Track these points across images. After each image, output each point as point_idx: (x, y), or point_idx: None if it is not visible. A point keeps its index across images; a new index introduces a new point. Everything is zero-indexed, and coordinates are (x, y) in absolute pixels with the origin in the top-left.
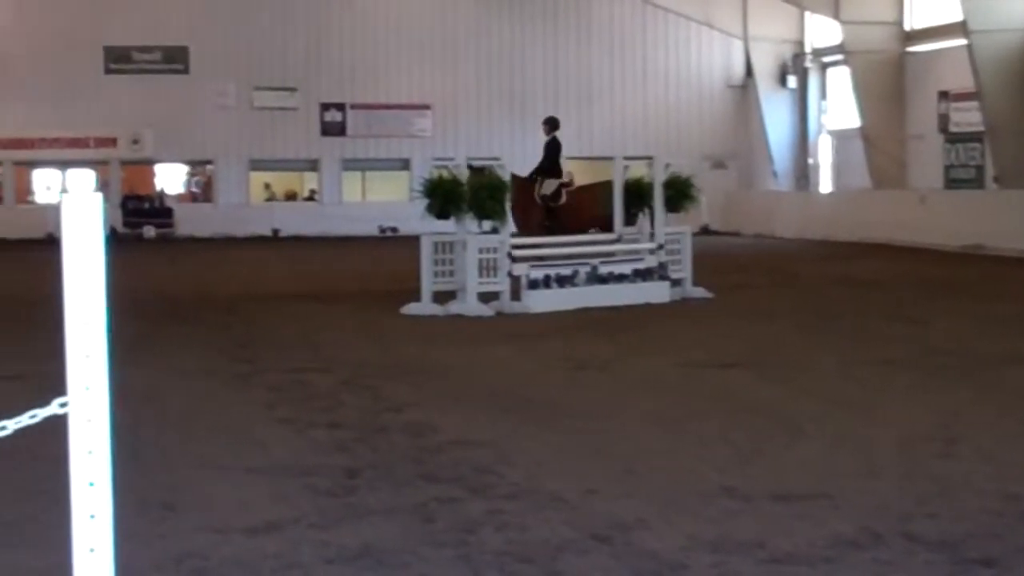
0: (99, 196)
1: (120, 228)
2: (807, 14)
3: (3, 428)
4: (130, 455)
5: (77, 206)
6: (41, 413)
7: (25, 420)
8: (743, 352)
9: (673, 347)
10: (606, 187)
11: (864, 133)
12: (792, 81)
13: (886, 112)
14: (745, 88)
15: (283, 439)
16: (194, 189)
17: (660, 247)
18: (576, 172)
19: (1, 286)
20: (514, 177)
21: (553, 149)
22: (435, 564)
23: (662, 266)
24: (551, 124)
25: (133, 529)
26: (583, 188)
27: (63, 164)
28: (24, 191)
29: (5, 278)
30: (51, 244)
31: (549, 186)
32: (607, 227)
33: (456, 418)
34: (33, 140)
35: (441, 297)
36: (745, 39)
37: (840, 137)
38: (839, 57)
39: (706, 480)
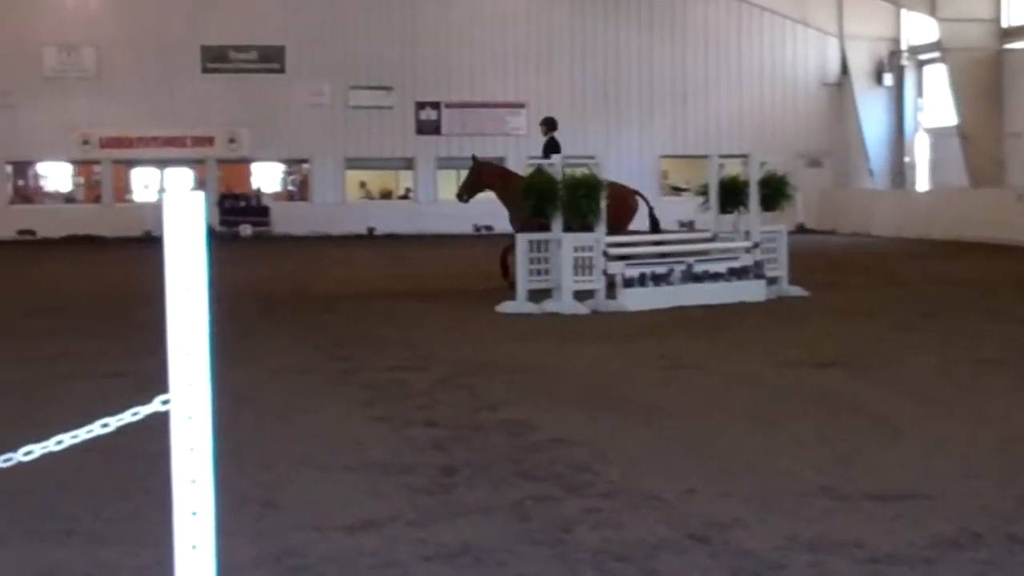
0: (201, 195)
1: (217, 226)
2: (903, 11)
3: (106, 425)
4: (229, 453)
5: (179, 204)
6: (143, 410)
7: (128, 417)
8: (840, 351)
9: (769, 346)
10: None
11: (961, 131)
12: (888, 79)
13: (983, 110)
14: (840, 86)
15: (380, 437)
16: (290, 188)
17: (756, 245)
18: (671, 170)
19: (99, 284)
20: (514, 175)
21: (551, 150)
22: (532, 562)
23: (758, 264)
24: (549, 124)
25: (232, 526)
26: None
27: (161, 163)
28: (122, 190)
29: (103, 276)
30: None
31: None
32: (617, 228)
33: (552, 416)
34: (131, 139)
35: (536, 295)
36: (841, 37)
37: (937, 135)
38: (936, 55)
39: (803, 479)
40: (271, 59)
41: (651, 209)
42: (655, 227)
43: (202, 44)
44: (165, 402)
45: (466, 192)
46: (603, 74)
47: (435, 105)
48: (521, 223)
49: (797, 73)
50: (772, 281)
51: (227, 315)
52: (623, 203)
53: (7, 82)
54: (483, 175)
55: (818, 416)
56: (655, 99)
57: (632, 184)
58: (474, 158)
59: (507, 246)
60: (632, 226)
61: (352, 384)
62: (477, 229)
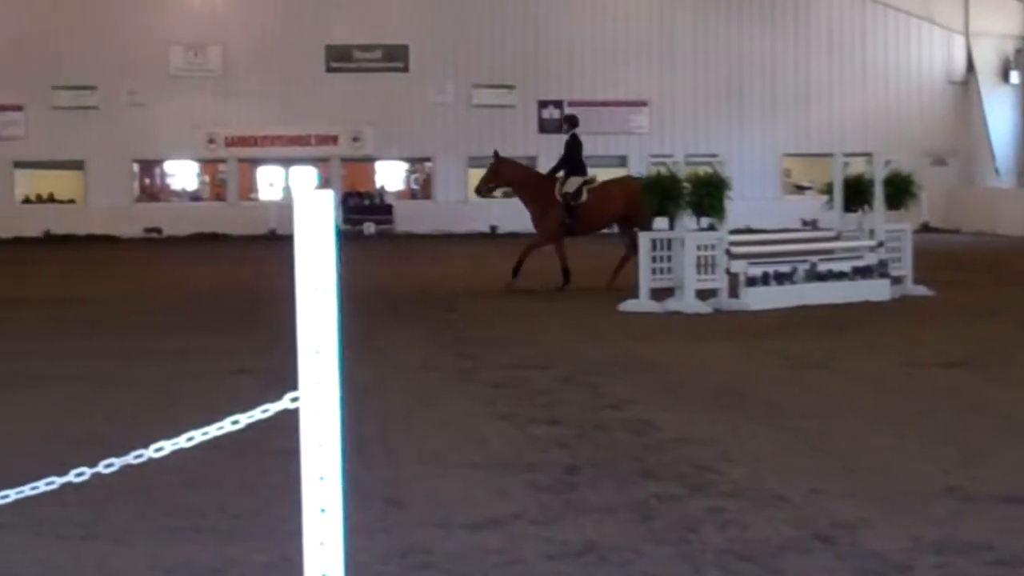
0: (330, 194)
1: (341, 224)
2: None
3: (236, 422)
4: (355, 450)
5: (309, 203)
6: (273, 407)
7: (258, 414)
8: (967, 351)
9: (894, 345)
10: (624, 184)
11: None
12: (1015, 76)
13: None
14: (966, 84)
15: (504, 435)
16: (413, 186)
17: (880, 244)
18: (794, 168)
19: (225, 282)
20: (533, 173)
21: (574, 147)
22: (656, 561)
23: (882, 263)
24: (570, 122)
25: (359, 523)
26: (602, 186)
27: (286, 162)
28: (247, 188)
29: (228, 274)
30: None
31: (572, 184)
32: (633, 223)
33: (676, 415)
34: (256, 138)
35: (659, 294)
36: (967, 34)
37: None
38: None
39: (930, 480)
40: (395, 58)
41: None
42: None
43: (327, 43)
44: (295, 399)
45: (484, 187)
46: (726, 71)
47: (558, 104)
48: (544, 224)
49: (922, 71)
50: (896, 280)
51: (352, 312)
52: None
53: (134, 81)
54: (502, 172)
55: (945, 416)
56: (778, 97)
57: (753, 181)
58: (496, 154)
59: (529, 244)
60: None
61: (476, 382)
62: None
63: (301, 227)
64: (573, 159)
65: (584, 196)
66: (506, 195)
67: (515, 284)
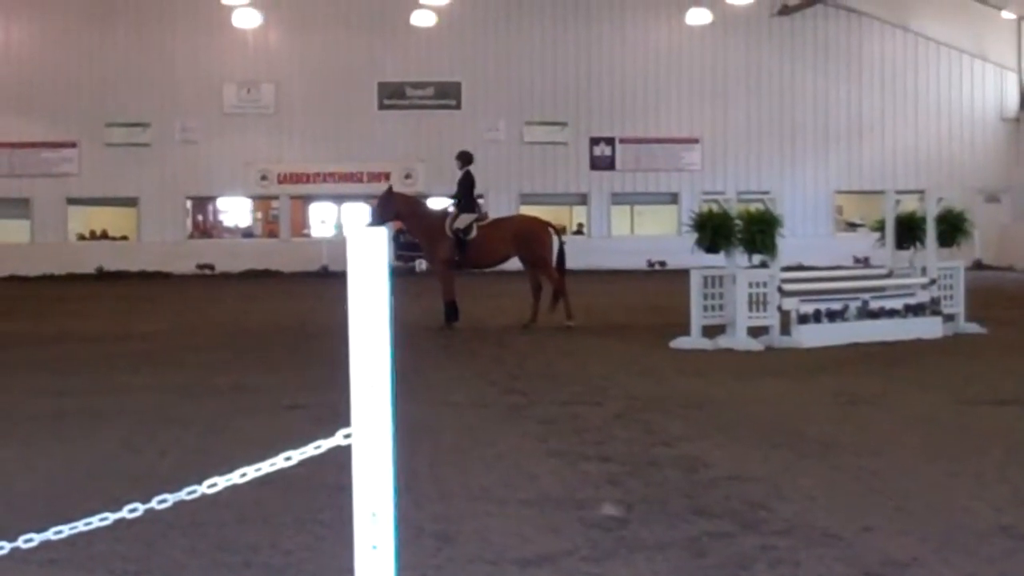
0: (384, 231)
1: (393, 262)
2: None
3: (288, 459)
4: (406, 486)
5: (362, 241)
6: (325, 444)
7: (310, 451)
8: (1019, 388)
9: (947, 383)
10: (514, 222)
11: None
12: None
13: None
14: (1019, 121)
15: (555, 472)
16: None
17: (932, 282)
18: (846, 205)
19: (277, 318)
20: (423, 207)
21: (467, 184)
22: None
23: (934, 301)
24: (464, 159)
25: (409, 560)
26: (492, 223)
27: (338, 198)
28: (300, 225)
29: (281, 310)
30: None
31: (463, 220)
32: (530, 262)
33: (728, 452)
34: (309, 175)
35: (710, 331)
36: (1020, 71)
37: None
38: None
39: (983, 518)
40: (447, 95)
41: (561, 244)
42: (561, 263)
43: (379, 81)
44: (347, 436)
45: (374, 221)
46: (778, 108)
47: (609, 140)
48: (436, 260)
49: (975, 107)
50: (949, 318)
51: (403, 348)
52: (536, 236)
53: (187, 118)
54: (390, 206)
55: (997, 454)
56: (830, 133)
57: (805, 218)
58: (388, 188)
59: (442, 284)
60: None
61: (527, 418)
62: (651, 264)
63: (354, 264)
64: (466, 196)
65: (474, 232)
66: None
67: (451, 327)
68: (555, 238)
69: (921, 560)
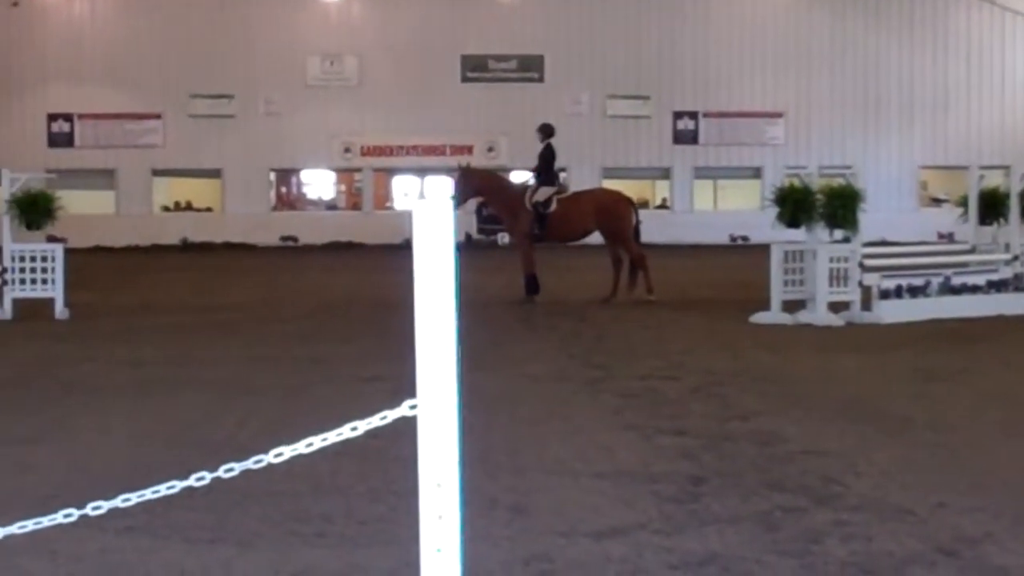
0: (450, 203)
1: (475, 234)
2: None
3: (354, 429)
4: (481, 457)
5: (429, 213)
6: (391, 415)
7: (376, 421)
8: None
9: None
10: (595, 196)
11: None
12: None
13: None
14: None
15: (631, 445)
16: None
17: (1016, 258)
18: (931, 180)
19: (359, 290)
20: (502, 181)
21: (548, 157)
22: (779, 573)
23: (1018, 277)
24: (545, 132)
25: (482, 530)
26: (573, 196)
27: (421, 171)
28: (383, 197)
29: (363, 282)
30: (408, 249)
31: (543, 193)
32: (610, 236)
33: (804, 427)
34: (392, 147)
35: (790, 306)
36: None
37: None
38: None
39: None
40: (530, 68)
41: (638, 220)
42: (636, 238)
43: (462, 53)
44: (413, 407)
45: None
46: (862, 82)
47: (692, 115)
48: (516, 230)
49: None
50: None
51: (485, 321)
52: (616, 209)
53: (271, 91)
54: (470, 183)
55: None
56: (915, 108)
57: (889, 193)
58: (460, 166)
59: (522, 257)
60: None
61: (605, 392)
62: (733, 239)
63: (420, 237)
64: (546, 168)
65: (554, 206)
66: None
67: (531, 300)
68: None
69: (994, 536)
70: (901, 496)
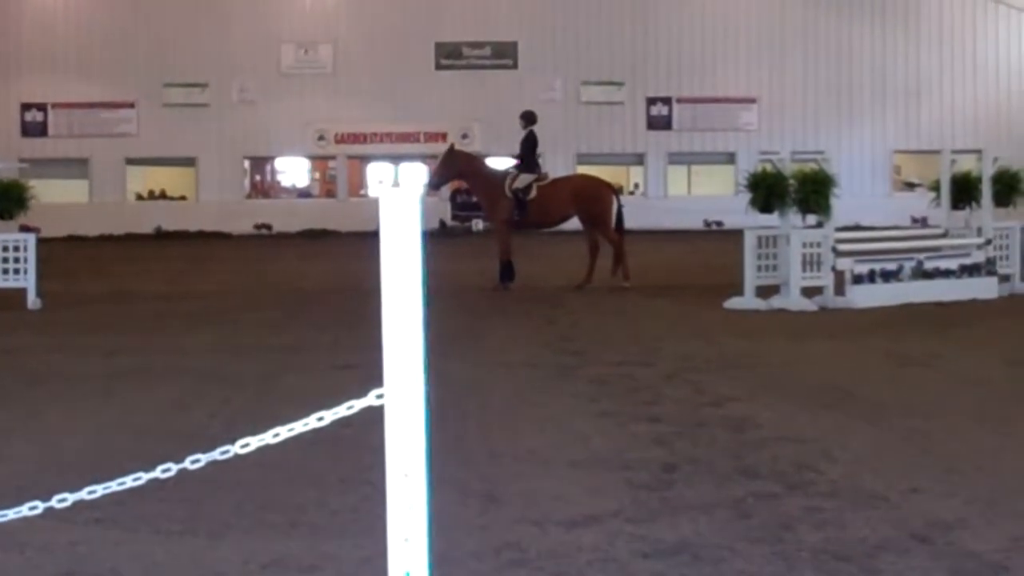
0: (417, 191)
1: (449, 221)
2: None
3: (321, 419)
4: (454, 446)
5: (396, 200)
6: (358, 404)
7: (343, 411)
8: None
9: (1001, 344)
10: (573, 181)
11: None
12: None
13: None
14: None
15: (604, 432)
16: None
17: (988, 242)
18: (904, 165)
19: (333, 278)
20: (485, 166)
21: (530, 144)
22: (751, 560)
23: (990, 261)
24: (528, 119)
25: (455, 519)
26: (552, 183)
27: (395, 158)
28: (357, 185)
29: (337, 270)
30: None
31: (523, 180)
32: (588, 221)
33: (777, 413)
34: (366, 135)
35: (764, 291)
36: None
37: None
38: None
39: None
40: (504, 55)
41: (620, 205)
42: (619, 223)
43: (436, 41)
44: (379, 396)
45: (435, 178)
46: (835, 68)
47: (666, 100)
48: (494, 216)
49: None
50: (1004, 278)
51: (458, 308)
52: (595, 195)
53: (245, 79)
54: (454, 164)
55: None
56: (888, 93)
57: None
58: (451, 146)
59: (499, 244)
60: None
61: (578, 379)
62: (707, 224)
63: (387, 224)
64: (528, 156)
65: (534, 192)
66: None
67: (505, 287)
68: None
69: (967, 521)
70: (874, 482)
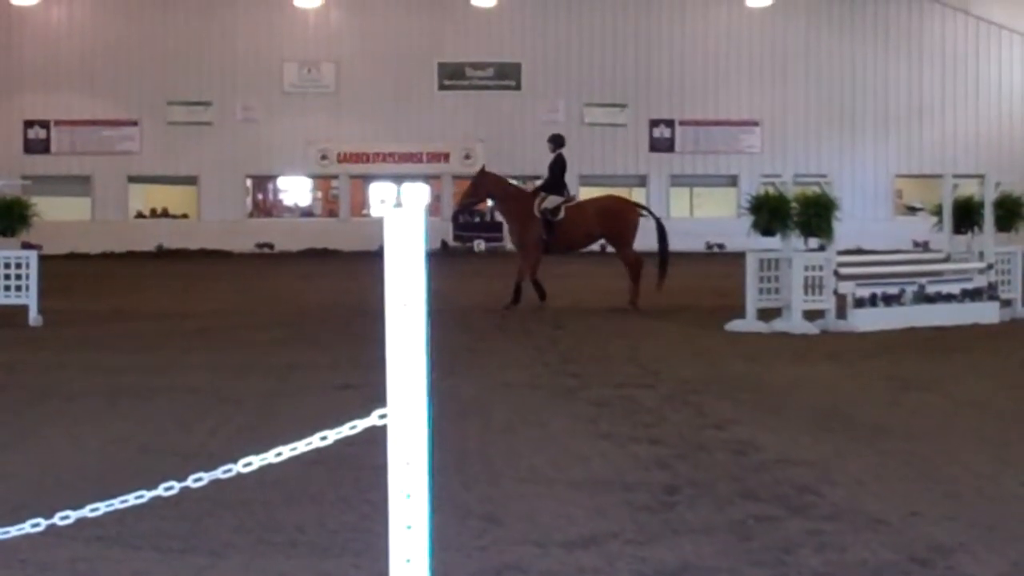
0: (422, 211)
1: (451, 241)
2: None
3: (324, 438)
4: (455, 466)
5: (400, 220)
6: (360, 424)
7: (345, 431)
8: None
9: (1002, 369)
10: (599, 203)
11: None
12: None
13: None
14: None
15: (605, 454)
16: None
17: (990, 267)
18: (906, 189)
19: (335, 297)
20: (515, 188)
21: (559, 167)
22: None
23: (992, 286)
24: (556, 142)
25: (455, 540)
26: (578, 204)
27: (397, 178)
28: (359, 204)
29: (339, 289)
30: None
31: (551, 201)
32: (614, 242)
33: (778, 436)
34: (368, 154)
35: (765, 314)
36: None
37: None
38: None
39: None
40: (507, 76)
41: (660, 223)
42: (663, 243)
43: (439, 61)
44: (382, 416)
45: (466, 201)
46: (838, 91)
47: (669, 123)
48: (523, 240)
49: None
50: (1006, 303)
51: (460, 328)
52: (619, 214)
53: (248, 98)
54: (484, 186)
55: None
56: (890, 117)
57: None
58: (482, 168)
59: (520, 268)
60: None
61: (580, 400)
62: (709, 247)
63: (391, 245)
64: (557, 179)
65: (562, 214)
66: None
67: (511, 309)
68: (651, 218)
69: (967, 546)
70: (875, 505)
